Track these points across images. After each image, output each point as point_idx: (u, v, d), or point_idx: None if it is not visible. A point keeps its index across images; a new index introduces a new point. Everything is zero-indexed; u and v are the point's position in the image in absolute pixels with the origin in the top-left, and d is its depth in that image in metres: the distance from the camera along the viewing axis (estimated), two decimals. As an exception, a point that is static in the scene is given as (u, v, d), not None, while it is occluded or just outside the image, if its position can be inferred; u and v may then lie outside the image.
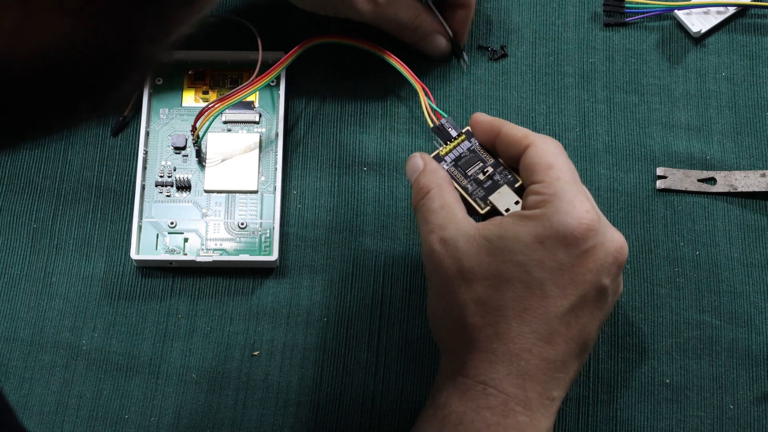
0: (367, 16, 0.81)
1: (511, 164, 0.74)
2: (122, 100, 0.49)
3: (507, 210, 0.73)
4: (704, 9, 0.84)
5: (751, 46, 0.85)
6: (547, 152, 0.71)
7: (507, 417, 0.66)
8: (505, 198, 0.73)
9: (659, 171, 0.81)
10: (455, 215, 0.70)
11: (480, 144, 0.75)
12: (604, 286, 0.68)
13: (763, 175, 0.80)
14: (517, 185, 0.74)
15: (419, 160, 0.74)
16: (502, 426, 0.66)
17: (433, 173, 0.73)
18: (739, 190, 0.80)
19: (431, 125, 0.77)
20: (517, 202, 0.74)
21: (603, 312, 0.69)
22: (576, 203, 0.68)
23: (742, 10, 0.85)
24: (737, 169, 0.81)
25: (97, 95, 0.47)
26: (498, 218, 0.71)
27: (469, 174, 0.74)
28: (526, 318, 0.67)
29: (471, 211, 0.73)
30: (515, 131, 0.72)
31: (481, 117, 0.74)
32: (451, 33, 0.83)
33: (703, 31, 0.84)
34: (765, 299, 0.77)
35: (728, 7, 0.85)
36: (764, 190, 0.80)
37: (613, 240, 0.69)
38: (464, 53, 0.84)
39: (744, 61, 0.84)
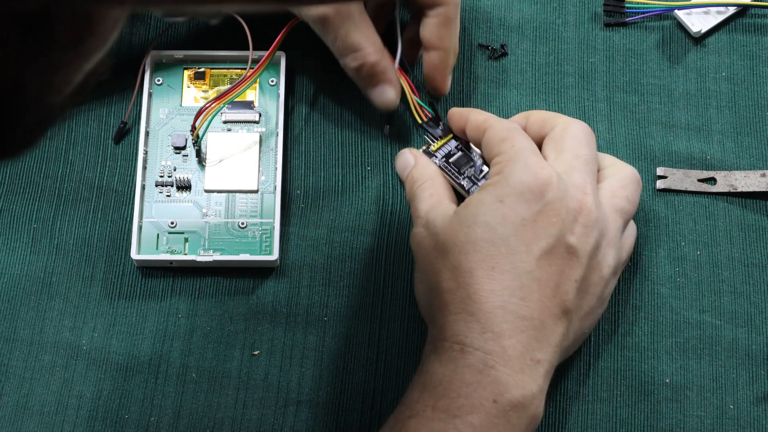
0: (313, 12, 0.78)
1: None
2: (21, 146, 0.49)
3: None
4: (704, 9, 0.85)
5: (751, 45, 0.85)
6: (502, 129, 0.74)
7: (487, 375, 0.67)
8: None
9: (659, 171, 0.81)
10: (441, 202, 0.74)
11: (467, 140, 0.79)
12: (571, 245, 0.70)
13: (764, 175, 0.80)
14: None
15: (410, 156, 0.78)
16: (482, 384, 0.67)
17: (425, 167, 0.77)
18: (740, 190, 0.80)
19: (419, 121, 0.80)
20: None
21: (577, 273, 0.70)
22: (531, 162, 0.71)
23: (742, 10, 0.85)
24: (737, 169, 0.81)
25: None
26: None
27: (464, 172, 0.77)
28: (495, 276, 0.69)
29: None
30: (477, 116, 0.76)
31: (454, 109, 0.79)
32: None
33: (703, 31, 0.84)
34: (765, 299, 0.77)
35: (728, 7, 0.85)
36: (764, 190, 0.80)
37: (574, 198, 0.71)
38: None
39: (744, 60, 0.84)
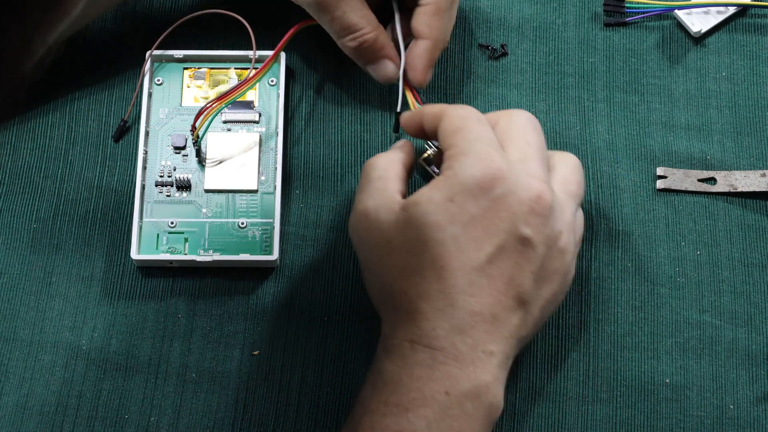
0: None
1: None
2: None
3: None
4: (704, 9, 0.85)
5: (751, 45, 0.85)
6: (457, 117, 0.73)
7: (436, 369, 0.67)
8: None
9: (659, 171, 0.81)
10: (386, 188, 0.72)
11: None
12: (525, 236, 0.69)
13: (764, 175, 0.80)
14: None
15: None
16: (433, 378, 0.67)
17: (396, 151, 0.75)
18: (740, 189, 0.80)
19: None
20: None
21: (534, 264, 0.69)
22: (482, 155, 0.70)
23: (742, 9, 0.85)
24: (737, 169, 0.81)
25: None
26: (418, 190, 0.72)
27: None
28: (444, 275, 0.68)
29: None
30: (433, 109, 0.75)
31: (406, 113, 0.77)
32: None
33: (703, 31, 0.84)
34: (765, 299, 0.77)
35: (728, 7, 0.85)
36: (764, 190, 0.80)
37: (528, 188, 0.69)
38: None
39: (744, 60, 0.84)
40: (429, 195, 0.70)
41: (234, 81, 0.82)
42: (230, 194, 0.79)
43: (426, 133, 0.76)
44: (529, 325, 0.70)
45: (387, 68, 0.80)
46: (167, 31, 0.82)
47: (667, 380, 0.76)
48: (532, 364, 0.76)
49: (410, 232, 0.69)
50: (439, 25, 0.78)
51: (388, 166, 0.74)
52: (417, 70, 0.79)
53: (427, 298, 0.68)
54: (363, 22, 0.78)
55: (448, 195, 0.69)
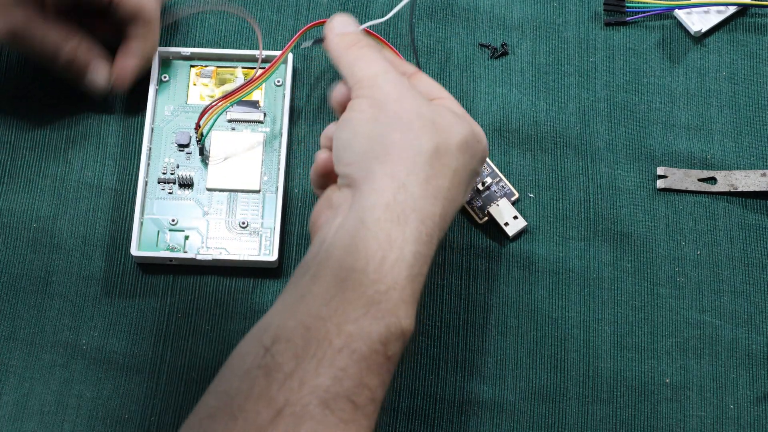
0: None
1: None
2: None
3: (506, 224, 0.78)
4: (704, 8, 0.85)
5: (751, 45, 0.85)
6: None
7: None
8: (504, 211, 0.78)
9: (659, 170, 0.81)
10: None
11: None
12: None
13: (764, 175, 0.80)
14: (513, 198, 0.79)
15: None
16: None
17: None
18: (740, 189, 0.80)
19: None
20: (515, 217, 0.78)
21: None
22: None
23: (743, 9, 0.85)
24: (738, 169, 0.81)
25: None
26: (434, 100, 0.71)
27: None
28: (426, 187, 0.66)
29: (468, 221, 0.78)
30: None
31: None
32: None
33: (703, 31, 0.84)
34: (765, 299, 0.78)
35: (728, 7, 0.85)
36: (765, 189, 0.80)
37: None
38: None
39: (744, 60, 0.84)
40: (469, 127, 0.69)
41: (240, 80, 0.82)
42: (232, 193, 0.79)
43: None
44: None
45: (98, 74, 0.80)
46: (170, 22, 0.82)
47: (667, 380, 0.76)
48: (532, 364, 0.76)
49: (452, 136, 0.68)
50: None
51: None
52: (126, 68, 0.81)
53: (407, 192, 0.66)
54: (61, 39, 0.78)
55: (478, 135, 0.70)
